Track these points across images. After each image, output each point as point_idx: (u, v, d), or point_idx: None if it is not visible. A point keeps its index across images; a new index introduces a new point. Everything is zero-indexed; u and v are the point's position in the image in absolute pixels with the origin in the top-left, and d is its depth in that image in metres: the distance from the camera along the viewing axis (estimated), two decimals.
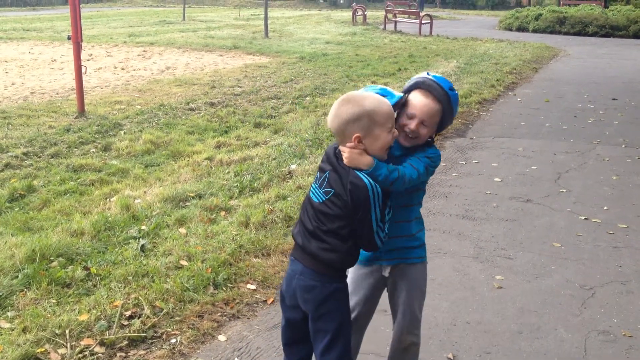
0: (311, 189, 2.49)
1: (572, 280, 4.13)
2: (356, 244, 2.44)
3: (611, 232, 4.97)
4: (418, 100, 2.57)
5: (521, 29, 26.09)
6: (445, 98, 2.58)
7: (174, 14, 30.42)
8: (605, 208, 5.49)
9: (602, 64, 15.88)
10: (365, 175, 2.34)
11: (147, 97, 10.26)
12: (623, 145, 7.65)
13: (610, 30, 24.24)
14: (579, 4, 30.87)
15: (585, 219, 5.24)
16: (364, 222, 2.36)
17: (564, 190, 5.97)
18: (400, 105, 2.56)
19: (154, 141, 7.42)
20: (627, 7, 29.05)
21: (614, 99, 10.80)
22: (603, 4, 31.36)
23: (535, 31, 25.38)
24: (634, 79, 13.28)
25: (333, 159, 2.42)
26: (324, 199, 2.39)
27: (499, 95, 11.13)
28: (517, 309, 3.77)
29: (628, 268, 4.32)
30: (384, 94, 2.48)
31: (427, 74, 2.66)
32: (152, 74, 12.91)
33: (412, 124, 2.54)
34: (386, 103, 2.42)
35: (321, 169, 2.48)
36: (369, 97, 2.41)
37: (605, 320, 3.65)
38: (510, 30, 26.30)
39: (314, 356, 2.59)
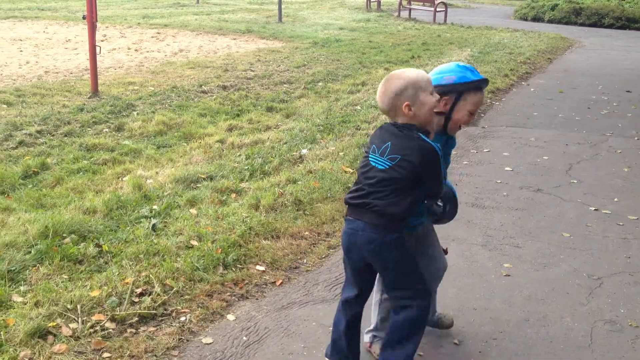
0: (370, 158, 2.72)
1: (580, 270, 4.14)
2: (415, 202, 2.72)
3: (621, 223, 4.96)
4: (479, 99, 2.92)
5: (536, 19, 25.87)
6: None
7: None
8: (615, 199, 5.48)
9: (617, 55, 15.76)
10: (427, 140, 2.64)
11: (160, 78, 10.29)
12: (636, 138, 7.62)
13: (626, 22, 23.99)
14: None
15: (595, 210, 5.24)
16: (436, 180, 2.71)
17: (575, 181, 5.96)
18: (457, 98, 2.86)
19: (167, 122, 7.46)
20: None
21: (628, 91, 10.73)
22: None
23: (550, 21, 25.16)
24: None
25: (395, 130, 2.68)
26: (390, 164, 2.65)
27: (512, 85, 11.09)
28: (525, 297, 3.79)
29: (637, 259, 4.32)
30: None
31: (468, 69, 2.89)
32: (166, 56, 12.93)
33: (471, 119, 2.93)
34: (423, 72, 2.71)
35: (379, 140, 2.72)
36: (407, 70, 2.72)
37: (612, 310, 3.66)
38: (526, 20, 26.09)
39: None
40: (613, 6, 25.09)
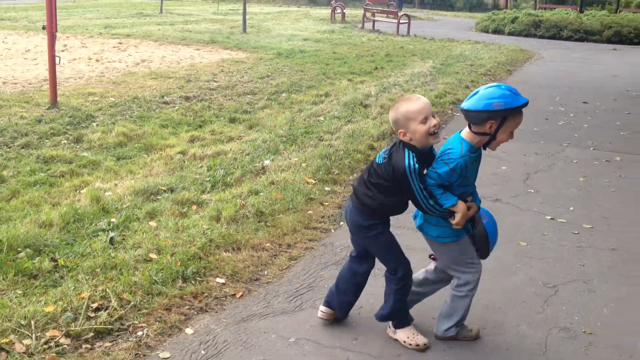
0: (380, 152, 3.29)
1: (536, 279, 4.22)
2: (394, 201, 3.28)
3: (576, 232, 5.07)
4: (520, 120, 3.18)
5: (497, 31, 26.34)
6: None
7: (151, 7, 30.18)
8: (571, 209, 5.60)
9: (575, 67, 16.12)
10: (408, 158, 3.11)
11: (121, 89, 10.19)
12: (591, 148, 7.79)
13: (584, 35, 24.58)
14: (554, 8, 31.28)
15: (551, 218, 5.34)
16: (409, 190, 3.15)
17: (532, 191, 6.07)
18: (501, 122, 3.13)
19: (127, 134, 7.39)
20: (602, 13, 29.48)
21: (585, 103, 10.98)
22: (578, 8, 31.80)
23: (511, 34, 25.64)
24: (605, 83, 13.51)
25: (397, 139, 3.22)
26: (381, 162, 3.24)
27: None
28: (483, 305, 3.84)
29: (591, 267, 4.42)
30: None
31: (513, 92, 3.11)
32: (127, 66, 12.82)
33: (511, 137, 3.22)
34: (417, 102, 3.14)
35: (393, 143, 3.29)
36: (404, 100, 3.18)
37: (566, 317, 3.74)
38: (487, 32, 26.55)
39: None
40: (571, 19, 25.68)
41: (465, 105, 3.16)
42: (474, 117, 3.14)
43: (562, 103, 10.89)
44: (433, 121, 3.12)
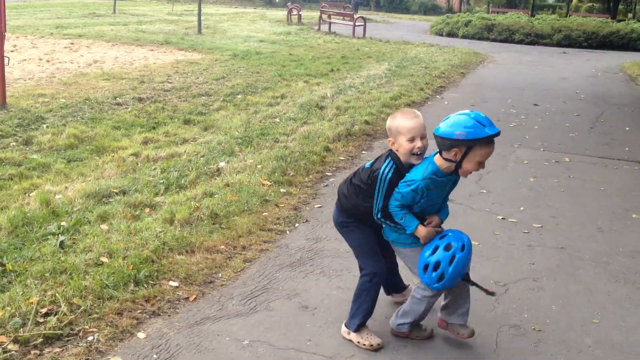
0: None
1: (488, 277, 4.29)
2: (367, 205, 3.34)
3: (526, 231, 5.18)
4: (488, 151, 3.12)
5: (451, 34, 26.74)
6: None
7: (104, 7, 29.69)
8: (522, 208, 5.72)
9: (526, 70, 16.46)
10: (387, 164, 3.24)
11: (73, 90, 10.00)
12: (541, 149, 7.97)
13: (535, 38, 25.14)
14: (507, 12, 31.90)
15: (502, 218, 5.45)
16: (377, 198, 3.27)
17: (485, 191, 6.18)
18: (466, 151, 3.09)
19: (78, 136, 7.25)
20: (552, 17, 30.25)
21: (536, 105, 11.22)
22: (530, 12, 32.50)
23: (464, 37, 26.06)
24: (555, 85, 13.83)
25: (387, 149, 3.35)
26: (367, 165, 3.38)
27: (427, 99, 11.39)
28: (436, 304, 3.87)
29: (540, 266, 4.52)
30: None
31: (480, 123, 3.05)
32: (79, 67, 12.58)
33: (481, 167, 3.17)
34: (412, 120, 3.19)
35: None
36: (402, 113, 3.28)
37: (516, 315, 3.81)
38: (441, 35, 26.92)
39: None
40: (523, 23, 26.24)
41: (435, 129, 3.16)
42: (440, 143, 3.15)
43: (513, 105, 11.12)
44: (419, 143, 3.17)
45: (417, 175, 3.19)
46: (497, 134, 3.06)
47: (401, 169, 3.25)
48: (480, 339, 3.53)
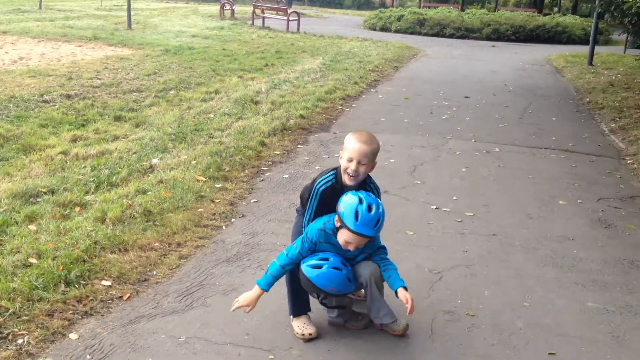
0: None
1: (423, 266, 4.37)
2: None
3: (459, 219, 5.29)
4: (349, 237, 3.18)
5: (384, 29, 27.03)
6: None
7: (30, 2, 28.63)
8: (454, 198, 5.84)
9: (457, 64, 16.81)
10: (325, 177, 3.33)
11: None
12: (473, 140, 8.16)
13: (465, 32, 25.69)
14: (438, 7, 32.47)
15: (436, 208, 5.55)
16: (305, 210, 3.39)
17: (419, 182, 6.28)
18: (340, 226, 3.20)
19: (3, 134, 6.98)
20: (482, 11, 30.98)
21: (467, 97, 11.48)
22: (460, 7, 33.19)
23: (397, 31, 26.38)
24: (484, 78, 14.17)
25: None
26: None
27: (361, 92, 11.49)
28: None
29: (473, 253, 4.63)
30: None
31: (355, 215, 3.12)
32: (4, 64, 12.12)
33: (349, 246, 3.22)
34: (357, 143, 3.23)
35: None
36: (359, 133, 3.31)
37: (450, 301, 3.89)
38: (374, 30, 27.17)
39: None
40: (453, 17, 26.77)
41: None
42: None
43: (445, 98, 11.33)
44: (352, 165, 3.21)
45: (319, 221, 3.29)
46: (361, 234, 3.13)
47: (338, 187, 3.27)
48: (416, 326, 3.58)
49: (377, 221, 3.16)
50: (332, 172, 3.33)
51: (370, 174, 3.38)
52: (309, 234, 3.29)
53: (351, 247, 3.21)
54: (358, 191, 3.22)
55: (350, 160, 3.21)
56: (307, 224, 3.35)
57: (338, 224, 3.21)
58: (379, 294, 3.44)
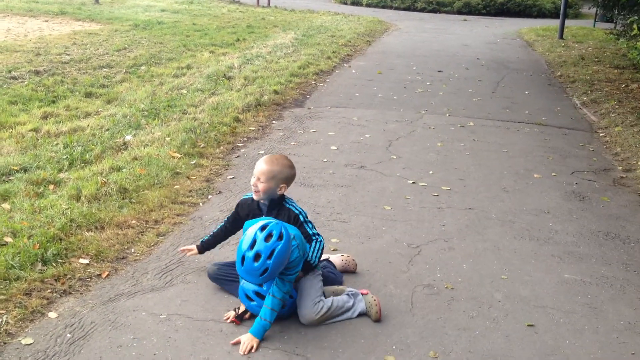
0: None
1: (401, 240, 4.39)
2: None
3: (436, 194, 5.32)
4: None
5: (355, 3, 26.88)
6: None
7: None
8: (430, 172, 5.87)
9: (429, 38, 16.81)
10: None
11: None
12: (447, 114, 8.19)
13: (437, 6, 25.69)
14: None
15: (413, 182, 5.57)
16: None
17: (394, 157, 6.29)
18: None
19: None
20: None
21: (440, 71, 11.50)
22: None
23: (368, 5, 26.27)
24: (457, 52, 14.20)
25: None
26: None
27: (335, 67, 11.44)
28: (358, 269, 3.93)
29: (450, 226, 4.66)
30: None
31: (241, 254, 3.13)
32: None
33: None
34: (258, 162, 3.48)
35: None
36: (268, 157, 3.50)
37: (429, 275, 3.92)
38: (346, 4, 27.00)
39: None
40: None
41: None
42: None
43: (418, 72, 11.34)
44: (252, 180, 3.44)
45: None
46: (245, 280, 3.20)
47: (252, 201, 3.55)
48: (396, 300, 3.61)
49: (264, 271, 3.05)
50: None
51: (286, 196, 3.53)
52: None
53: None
54: (268, 222, 3.16)
55: (253, 176, 3.45)
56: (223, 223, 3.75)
57: None
58: (337, 289, 3.59)
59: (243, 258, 3.07)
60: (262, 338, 3.14)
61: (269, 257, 3.04)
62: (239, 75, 9.70)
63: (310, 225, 3.49)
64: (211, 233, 3.81)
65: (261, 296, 3.25)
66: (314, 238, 3.45)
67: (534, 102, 9.21)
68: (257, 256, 3.05)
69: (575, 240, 4.51)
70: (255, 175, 3.41)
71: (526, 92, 9.91)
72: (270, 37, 14.44)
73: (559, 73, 11.79)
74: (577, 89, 10.17)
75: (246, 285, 3.30)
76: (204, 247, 3.81)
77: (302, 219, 3.46)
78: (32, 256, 3.72)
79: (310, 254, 3.40)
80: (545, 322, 3.44)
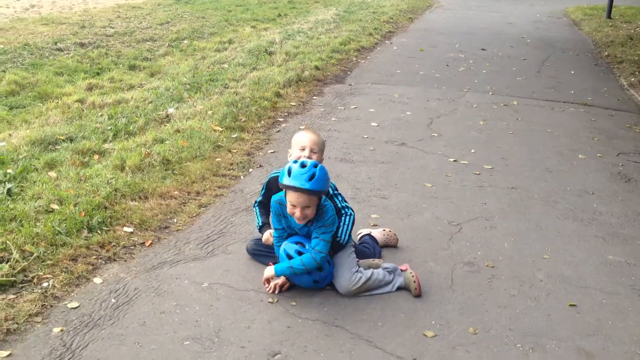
0: None
1: (442, 218, 4.36)
2: None
3: (477, 172, 5.26)
4: (292, 197, 3.20)
5: None
6: None
7: None
8: (472, 151, 5.80)
9: (473, 15, 16.51)
10: (272, 172, 3.62)
11: (10, 36, 9.56)
12: (490, 93, 8.06)
13: None
14: None
15: (454, 161, 5.52)
16: None
17: (436, 135, 6.23)
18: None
19: (19, 82, 6.98)
20: None
21: (483, 49, 11.30)
22: None
23: None
24: (501, 30, 13.93)
25: None
26: None
27: (376, 44, 11.34)
28: (398, 245, 3.93)
29: (492, 205, 4.61)
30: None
31: (289, 170, 3.17)
32: (16, 12, 12.02)
33: (294, 210, 3.21)
34: (302, 135, 3.55)
35: None
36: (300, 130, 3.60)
37: (470, 252, 3.90)
38: None
39: None
40: None
41: None
42: None
43: (461, 50, 11.17)
44: (304, 152, 3.44)
45: (276, 195, 3.37)
46: (294, 188, 3.11)
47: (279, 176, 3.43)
48: (436, 277, 3.60)
49: (312, 176, 3.10)
50: (289, 164, 3.40)
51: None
52: (272, 207, 3.37)
53: (297, 213, 3.18)
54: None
55: (303, 149, 3.43)
56: (257, 205, 3.69)
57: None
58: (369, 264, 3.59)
59: (290, 170, 3.15)
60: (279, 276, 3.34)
61: (315, 166, 3.17)
62: (280, 50, 9.69)
63: (340, 198, 3.49)
64: (258, 215, 3.68)
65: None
66: (343, 212, 3.45)
67: (580, 82, 9.01)
68: (302, 165, 3.17)
69: (620, 222, 4.42)
70: (309, 147, 3.43)
71: (572, 72, 9.69)
72: (312, 13, 14.37)
73: (606, 53, 11.48)
74: (624, 70, 9.90)
75: (288, 246, 3.32)
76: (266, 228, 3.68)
77: (331, 192, 3.47)
78: (78, 223, 3.80)
79: (341, 230, 3.40)
80: (587, 303, 3.39)
